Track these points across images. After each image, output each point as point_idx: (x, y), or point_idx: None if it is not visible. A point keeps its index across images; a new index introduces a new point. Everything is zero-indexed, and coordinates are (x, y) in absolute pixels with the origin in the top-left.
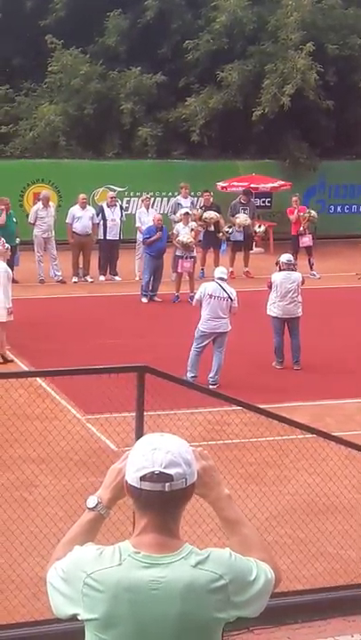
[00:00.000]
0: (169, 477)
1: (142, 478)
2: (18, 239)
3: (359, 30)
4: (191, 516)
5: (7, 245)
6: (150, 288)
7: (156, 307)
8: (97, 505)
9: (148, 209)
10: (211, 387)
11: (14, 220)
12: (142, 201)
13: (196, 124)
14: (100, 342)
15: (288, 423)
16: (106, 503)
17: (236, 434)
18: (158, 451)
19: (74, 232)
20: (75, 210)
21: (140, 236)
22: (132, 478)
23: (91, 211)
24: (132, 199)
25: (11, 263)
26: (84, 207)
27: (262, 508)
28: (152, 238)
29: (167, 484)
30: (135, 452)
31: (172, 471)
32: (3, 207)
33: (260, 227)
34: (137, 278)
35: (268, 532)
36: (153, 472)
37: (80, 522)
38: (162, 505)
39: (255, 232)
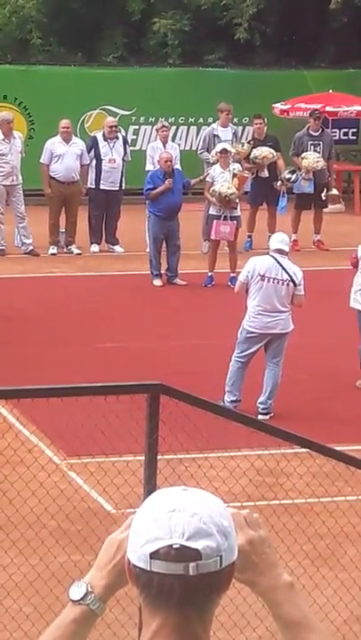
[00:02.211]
0: (195, 554)
1: (154, 556)
2: None
3: None
4: (229, 615)
5: None
6: (167, 266)
7: (177, 293)
8: (85, 596)
9: (165, 143)
10: (261, 417)
11: None
12: (158, 131)
13: (243, 13)
14: (93, 347)
15: None
16: (99, 593)
17: (299, 490)
18: (179, 513)
19: (52, 178)
20: (54, 144)
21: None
22: (139, 556)
23: (78, 145)
24: (143, 128)
25: None
26: (67, 140)
27: (339, 605)
28: (157, 189)
29: (192, 565)
30: (143, 516)
31: (199, 544)
32: None
33: (327, 191)
34: (148, 249)
35: None
36: (170, 546)
37: (60, 622)
38: (184, 597)
39: (325, 196)
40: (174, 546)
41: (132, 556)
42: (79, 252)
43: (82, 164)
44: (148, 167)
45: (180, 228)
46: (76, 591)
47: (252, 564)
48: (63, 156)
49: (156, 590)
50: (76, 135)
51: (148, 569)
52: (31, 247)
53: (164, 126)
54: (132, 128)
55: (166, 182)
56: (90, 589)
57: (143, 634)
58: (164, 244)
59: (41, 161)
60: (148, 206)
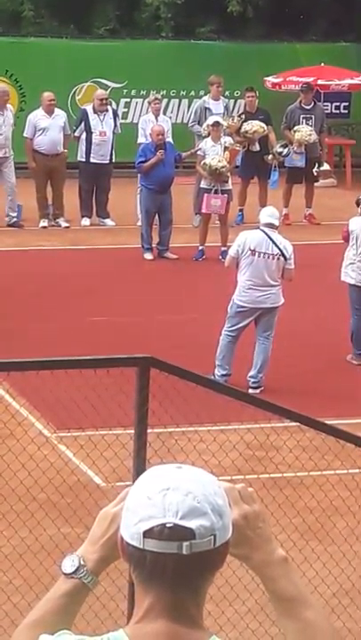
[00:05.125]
0: (188, 533)
1: (147, 534)
2: None
3: None
4: (218, 587)
5: None
6: (159, 240)
7: (168, 267)
8: (78, 569)
9: (157, 116)
10: (251, 391)
11: None
12: (149, 103)
13: None
14: (83, 320)
15: None
16: (92, 567)
17: (289, 464)
18: (173, 492)
19: (36, 151)
20: (36, 117)
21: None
22: (132, 534)
23: (61, 117)
24: (134, 101)
25: None
26: (50, 112)
27: (328, 578)
28: (150, 162)
29: (186, 544)
30: (137, 494)
31: (193, 523)
32: None
33: (319, 166)
34: (139, 223)
35: (336, 616)
36: (164, 525)
37: (51, 595)
38: (177, 576)
39: (317, 172)
40: (168, 525)
41: (126, 534)
42: (67, 224)
43: (65, 135)
44: (141, 140)
45: (172, 202)
46: (69, 564)
47: (246, 538)
48: (47, 129)
49: (149, 568)
50: (67, 108)
51: (142, 547)
52: (15, 219)
53: (156, 99)
54: (123, 101)
55: (158, 154)
56: (82, 563)
57: (136, 612)
58: (156, 218)
59: (24, 135)
60: (139, 180)
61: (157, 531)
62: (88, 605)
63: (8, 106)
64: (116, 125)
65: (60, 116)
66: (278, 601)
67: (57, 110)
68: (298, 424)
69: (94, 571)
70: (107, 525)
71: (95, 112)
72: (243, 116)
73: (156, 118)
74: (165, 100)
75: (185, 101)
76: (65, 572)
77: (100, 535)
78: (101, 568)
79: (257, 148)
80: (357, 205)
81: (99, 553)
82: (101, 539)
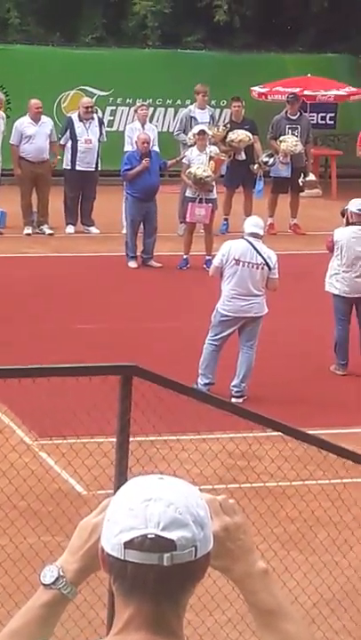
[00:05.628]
0: (170, 544)
1: (128, 545)
2: None
3: None
4: (198, 597)
5: None
6: (143, 248)
7: (152, 275)
8: (57, 580)
9: (143, 124)
10: (234, 400)
11: None
12: (135, 112)
13: None
14: (66, 328)
15: (352, 459)
16: (71, 577)
17: (271, 473)
18: (155, 503)
19: (22, 158)
20: (23, 124)
21: None
22: (113, 545)
23: (48, 125)
24: (120, 109)
25: None
26: (37, 119)
27: (309, 589)
28: (135, 169)
29: (167, 555)
30: (118, 505)
31: (174, 535)
32: None
33: (304, 176)
34: (124, 231)
35: (316, 626)
36: (145, 536)
37: (31, 605)
38: (158, 587)
39: (302, 182)
40: (149, 536)
41: (107, 545)
42: (51, 232)
43: (51, 142)
44: (127, 148)
45: (157, 210)
46: (48, 575)
47: (227, 550)
48: (34, 136)
49: (130, 580)
50: (53, 115)
51: (122, 558)
52: None
53: (143, 105)
54: (109, 109)
55: (143, 162)
56: (62, 573)
57: (115, 623)
58: (140, 226)
59: (10, 142)
60: (125, 188)
61: (138, 542)
62: (68, 614)
63: (0, 113)
64: (101, 133)
65: (47, 123)
66: (258, 613)
67: (44, 117)
68: (280, 434)
69: (74, 581)
70: (87, 536)
71: (81, 120)
72: (228, 126)
73: (143, 126)
74: (151, 109)
75: (171, 110)
76: (44, 582)
77: (80, 545)
78: (81, 578)
79: (243, 157)
80: (342, 216)
81: (78, 563)
82: (81, 549)
